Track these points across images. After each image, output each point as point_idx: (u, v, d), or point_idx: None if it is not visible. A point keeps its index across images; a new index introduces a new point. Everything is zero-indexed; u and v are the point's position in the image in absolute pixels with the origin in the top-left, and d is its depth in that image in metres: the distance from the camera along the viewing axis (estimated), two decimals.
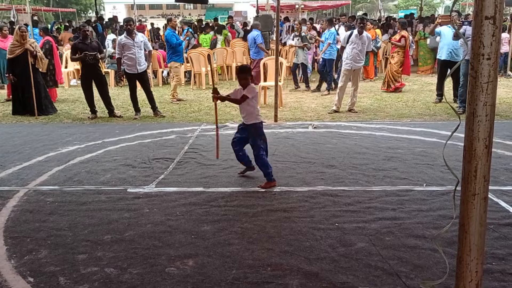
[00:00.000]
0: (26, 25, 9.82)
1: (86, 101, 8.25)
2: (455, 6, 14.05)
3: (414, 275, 2.93)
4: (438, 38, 10.90)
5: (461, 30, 8.24)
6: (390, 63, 10.60)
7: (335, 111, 8.26)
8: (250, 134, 4.67)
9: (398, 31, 10.89)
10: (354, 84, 8.33)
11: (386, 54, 14.12)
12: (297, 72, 11.35)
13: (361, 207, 4.04)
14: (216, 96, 4.60)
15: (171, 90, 9.80)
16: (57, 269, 3.08)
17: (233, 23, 17.27)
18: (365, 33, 8.28)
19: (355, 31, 8.18)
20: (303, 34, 10.90)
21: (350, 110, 8.33)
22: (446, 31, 8.78)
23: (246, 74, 4.57)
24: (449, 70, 9.14)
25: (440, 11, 43.97)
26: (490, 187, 4.33)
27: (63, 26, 20.60)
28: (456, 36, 8.27)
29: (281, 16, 12.77)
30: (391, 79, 10.51)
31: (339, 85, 8.33)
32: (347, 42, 8.18)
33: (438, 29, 9.12)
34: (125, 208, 4.09)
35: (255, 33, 11.07)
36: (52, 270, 3.06)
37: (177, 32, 10.95)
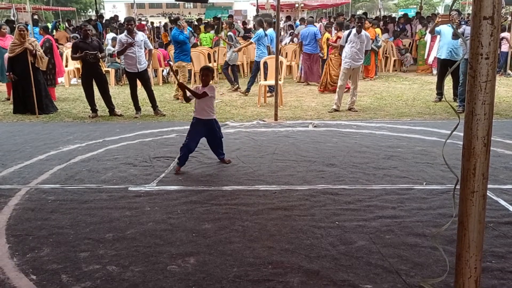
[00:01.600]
0: (27, 24, 9.83)
1: (86, 100, 8.26)
2: (455, 5, 14.05)
3: (414, 273, 2.95)
4: (426, 37, 11.06)
5: (460, 30, 8.27)
6: (327, 64, 10.56)
7: (335, 110, 8.28)
8: (210, 128, 5.18)
9: (336, 32, 10.83)
10: (353, 83, 8.34)
11: (386, 53, 14.15)
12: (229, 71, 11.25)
13: (361, 205, 4.06)
14: (181, 84, 5.34)
15: (176, 89, 9.72)
16: (59, 267, 3.10)
17: (233, 22, 17.26)
18: (363, 32, 8.30)
19: (354, 30, 8.20)
20: (229, 33, 10.98)
21: (350, 109, 8.35)
22: (446, 30, 8.79)
23: (210, 73, 5.12)
24: (448, 69, 9.17)
25: (440, 10, 43.95)
26: (489, 186, 4.35)
27: (62, 25, 20.56)
28: (455, 36, 8.29)
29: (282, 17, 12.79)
30: (329, 81, 10.49)
31: (339, 84, 8.36)
32: (346, 41, 8.21)
33: (438, 28, 9.14)
34: (127, 207, 4.11)
35: (314, 28, 11.58)
36: (54, 268, 3.08)
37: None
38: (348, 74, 8.28)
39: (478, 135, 1.80)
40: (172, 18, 13.60)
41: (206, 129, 5.19)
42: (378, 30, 13.16)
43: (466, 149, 1.87)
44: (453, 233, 3.34)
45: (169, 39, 16.25)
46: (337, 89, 8.34)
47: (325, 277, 2.91)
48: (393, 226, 3.64)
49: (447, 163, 2.35)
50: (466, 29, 8.08)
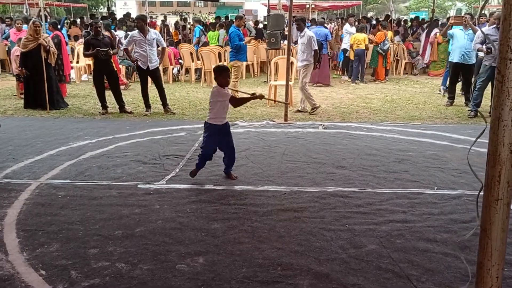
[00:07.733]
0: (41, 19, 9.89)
1: (97, 96, 8.29)
2: (467, 9, 13.90)
3: (425, 278, 2.91)
4: (421, 37, 10.90)
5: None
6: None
7: (314, 109, 8.24)
8: (227, 133, 4.76)
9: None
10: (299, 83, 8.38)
11: (397, 56, 14.05)
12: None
13: (371, 209, 4.03)
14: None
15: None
16: (68, 262, 3.10)
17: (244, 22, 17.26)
18: (306, 31, 8.40)
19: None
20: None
21: (298, 110, 8.44)
22: (459, 34, 8.72)
23: (226, 73, 4.62)
24: (461, 73, 9.08)
25: (452, 13, 43.63)
26: None
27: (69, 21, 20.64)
28: (482, 42, 7.87)
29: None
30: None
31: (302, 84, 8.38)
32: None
33: (450, 31, 9.06)
34: (136, 204, 4.11)
35: (325, 30, 12.01)
36: (63, 264, 3.08)
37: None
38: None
39: (504, 142, 1.76)
40: (184, 17, 13.63)
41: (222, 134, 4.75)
42: (390, 33, 13.02)
43: (491, 155, 1.83)
44: (464, 239, 3.30)
45: (179, 38, 16.28)
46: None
47: (335, 280, 2.88)
48: (404, 230, 3.60)
49: (472, 169, 2.29)
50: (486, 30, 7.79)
